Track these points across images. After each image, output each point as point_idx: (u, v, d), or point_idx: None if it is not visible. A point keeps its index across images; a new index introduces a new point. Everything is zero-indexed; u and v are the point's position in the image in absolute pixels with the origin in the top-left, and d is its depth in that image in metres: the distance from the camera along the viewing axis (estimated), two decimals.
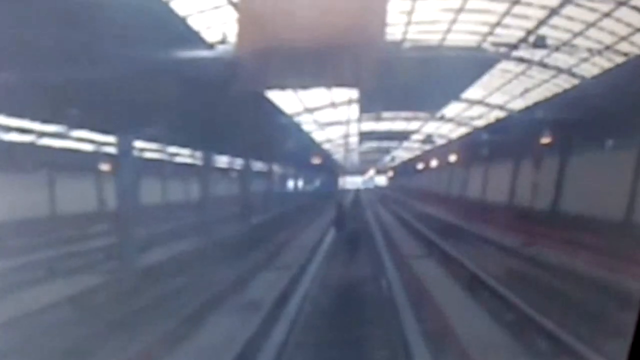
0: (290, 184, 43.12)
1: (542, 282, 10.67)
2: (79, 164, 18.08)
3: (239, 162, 29.90)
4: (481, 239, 16.75)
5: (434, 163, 39.94)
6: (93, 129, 14.87)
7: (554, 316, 7.56)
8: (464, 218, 23.80)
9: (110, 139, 14.37)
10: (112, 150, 14.92)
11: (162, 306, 9.07)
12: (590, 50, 13.88)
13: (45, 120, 13.40)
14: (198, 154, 22.45)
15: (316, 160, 30.93)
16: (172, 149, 25.39)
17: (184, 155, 26.98)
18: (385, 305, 9.07)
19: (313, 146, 29.95)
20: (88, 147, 18.03)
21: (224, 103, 12.15)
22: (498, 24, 14.28)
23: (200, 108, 12.18)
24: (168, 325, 7.77)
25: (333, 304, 9.40)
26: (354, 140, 43.35)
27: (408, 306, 8.57)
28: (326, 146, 39.43)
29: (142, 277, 11.25)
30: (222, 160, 28.79)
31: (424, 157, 45.16)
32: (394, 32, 14.04)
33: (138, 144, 14.51)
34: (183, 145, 20.87)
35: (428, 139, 38.90)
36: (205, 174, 18.73)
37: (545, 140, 18.79)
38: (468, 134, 29.25)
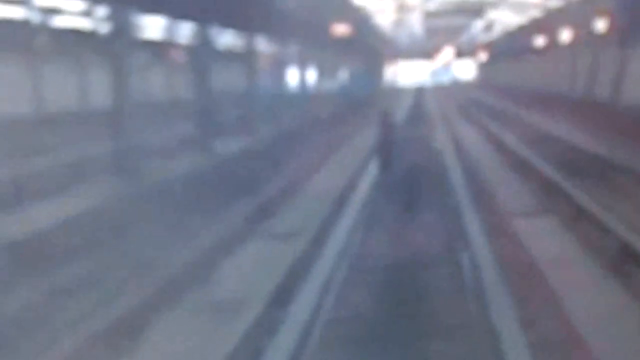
0: (293, 77, 42.73)
1: None
2: None
3: (197, 38, 29.64)
4: None
5: (566, 35, 39.20)
6: None
7: None
8: (624, 145, 23.50)
9: None
10: None
11: None
12: None
13: None
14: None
15: (340, 30, 30.41)
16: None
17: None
18: (472, 308, 8.99)
19: (333, 5, 29.38)
20: None
21: None
22: None
23: None
24: None
25: (376, 309, 9.15)
26: None
27: (512, 306, 8.60)
28: (358, 2, 38.54)
29: None
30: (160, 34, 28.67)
31: (550, 23, 44.34)
32: None
33: None
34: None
35: None
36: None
37: None
38: None
